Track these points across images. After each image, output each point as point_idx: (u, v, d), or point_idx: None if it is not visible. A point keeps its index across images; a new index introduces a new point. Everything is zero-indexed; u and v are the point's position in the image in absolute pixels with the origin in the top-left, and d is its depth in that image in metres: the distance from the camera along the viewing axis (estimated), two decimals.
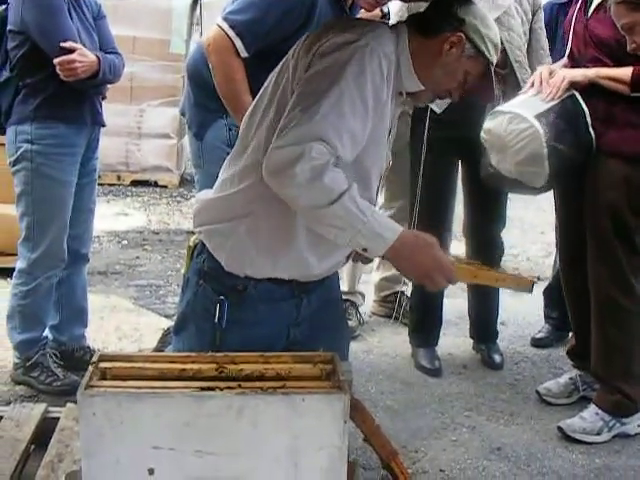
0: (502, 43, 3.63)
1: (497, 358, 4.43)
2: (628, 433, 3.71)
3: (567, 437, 3.66)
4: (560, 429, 3.69)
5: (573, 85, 3.53)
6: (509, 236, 6.60)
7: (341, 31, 2.24)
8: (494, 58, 2.37)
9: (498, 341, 4.55)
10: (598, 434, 3.66)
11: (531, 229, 7.44)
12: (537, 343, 4.69)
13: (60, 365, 3.93)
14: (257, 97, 2.38)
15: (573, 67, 3.62)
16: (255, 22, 3.20)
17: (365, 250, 2.13)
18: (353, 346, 4.10)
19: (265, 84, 2.37)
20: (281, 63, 2.35)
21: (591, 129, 3.51)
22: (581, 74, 3.54)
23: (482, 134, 3.67)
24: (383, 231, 2.11)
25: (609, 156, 3.51)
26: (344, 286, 4.41)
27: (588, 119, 3.51)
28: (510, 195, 4.29)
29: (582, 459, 3.50)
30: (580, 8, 3.64)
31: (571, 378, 4.00)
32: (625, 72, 3.44)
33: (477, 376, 4.28)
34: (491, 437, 3.64)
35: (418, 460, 3.42)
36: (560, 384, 4.01)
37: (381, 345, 4.57)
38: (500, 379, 4.24)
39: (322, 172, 2.04)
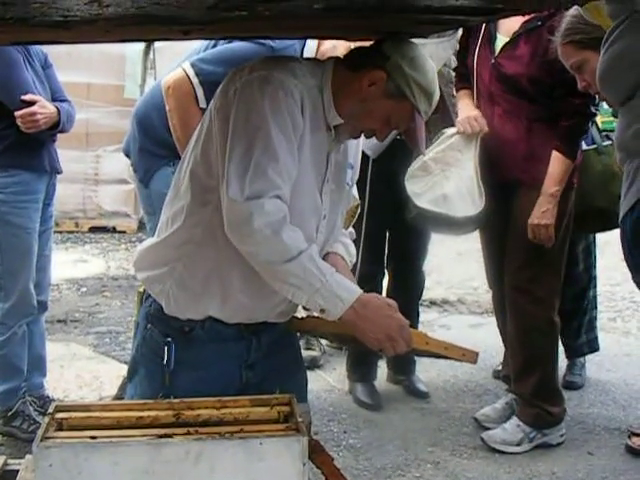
0: (443, 96, 3.61)
1: (422, 387, 4.47)
2: (550, 443, 3.86)
3: (489, 448, 3.81)
4: (482, 440, 3.84)
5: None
6: (468, 269, 6.68)
7: (254, 69, 2.21)
8: (421, 104, 2.23)
9: (459, 374, 4.59)
10: (518, 445, 3.81)
11: None
12: (499, 375, 4.71)
13: (41, 413, 3.86)
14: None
15: (479, 103, 3.76)
16: (223, 77, 3.23)
17: (323, 311, 2.10)
18: (314, 386, 4.12)
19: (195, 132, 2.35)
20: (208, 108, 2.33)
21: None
22: (548, 202, 3.62)
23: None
24: (342, 292, 2.10)
25: (532, 188, 3.65)
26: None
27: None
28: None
29: None
30: (482, 45, 3.71)
31: (507, 402, 4.07)
32: (561, 164, 3.61)
33: (440, 410, 4.29)
34: (455, 472, 3.65)
35: None
36: (497, 409, 4.09)
37: (342, 384, 4.55)
38: (462, 413, 4.24)
39: (280, 229, 2.05)
